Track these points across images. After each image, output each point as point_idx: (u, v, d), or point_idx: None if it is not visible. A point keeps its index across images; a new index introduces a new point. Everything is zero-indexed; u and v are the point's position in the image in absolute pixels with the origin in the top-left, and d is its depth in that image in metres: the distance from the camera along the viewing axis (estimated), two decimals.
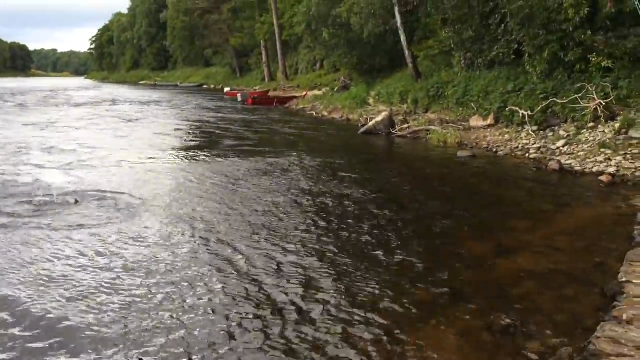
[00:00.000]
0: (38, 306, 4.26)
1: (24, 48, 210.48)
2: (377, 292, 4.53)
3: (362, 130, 15.67)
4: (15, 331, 3.89)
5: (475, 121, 13.52)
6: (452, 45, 16.15)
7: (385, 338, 3.81)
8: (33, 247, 5.60)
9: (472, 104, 14.03)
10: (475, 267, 5.18)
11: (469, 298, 4.43)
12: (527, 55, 12.88)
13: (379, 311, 4.18)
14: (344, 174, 9.74)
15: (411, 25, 19.64)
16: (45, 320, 4.05)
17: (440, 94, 15.77)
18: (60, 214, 6.85)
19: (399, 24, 17.92)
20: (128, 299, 4.40)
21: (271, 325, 4.00)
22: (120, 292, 4.55)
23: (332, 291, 4.55)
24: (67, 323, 4.00)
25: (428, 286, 4.67)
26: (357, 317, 4.08)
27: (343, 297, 4.44)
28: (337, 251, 5.54)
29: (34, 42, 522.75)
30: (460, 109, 14.52)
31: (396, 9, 17.64)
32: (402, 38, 18.04)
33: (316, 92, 28.69)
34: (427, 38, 19.13)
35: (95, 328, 3.93)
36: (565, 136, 10.80)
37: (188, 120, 21.17)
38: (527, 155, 10.88)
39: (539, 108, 11.65)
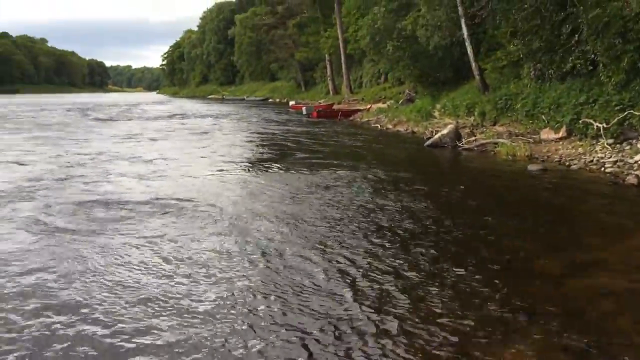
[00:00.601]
0: (113, 313, 4.45)
1: (101, 65, 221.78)
2: (449, 309, 4.45)
3: (427, 142, 15.53)
4: (90, 336, 4.09)
5: (546, 134, 13.11)
6: (521, 56, 15.78)
7: (460, 357, 3.74)
8: (113, 254, 5.87)
9: (543, 116, 13.63)
10: (549, 284, 5.01)
11: (544, 317, 4.28)
12: (601, 65, 12.40)
13: (452, 329, 4.10)
14: (410, 187, 9.68)
15: (478, 37, 19.34)
16: (116, 327, 4.20)
17: (508, 106, 15.41)
18: (141, 222, 7.17)
19: (465, 36, 17.70)
20: (206, 308, 4.51)
21: (347, 339, 4.02)
22: (198, 300, 4.67)
23: (404, 307, 4.50)
24: (141, 330, 4.15)
25: (500, 304, 4.54)
26: (430, 335, 4.02)
27: (415, 313, 4.39)
28: (405, 266, 5.49)
29: (111, 59, 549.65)
30: (530, 121, 14.12)
31: (462, 20, 17.44)
32: (469, 50, 17.79)
33: (380, 104, 28.67)
34: (495, 50, 18.76)
35: (170, 336, 4.06)
36: None
37: (256, 133, 21.66)
38: (602, 169, 10.45)
39: (614, 120, 11.18)
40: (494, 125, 15.53)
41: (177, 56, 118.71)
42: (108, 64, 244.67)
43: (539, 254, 5.85)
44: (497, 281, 5.07)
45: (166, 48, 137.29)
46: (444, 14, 18.04)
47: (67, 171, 11.59)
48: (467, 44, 17.75)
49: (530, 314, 4.33)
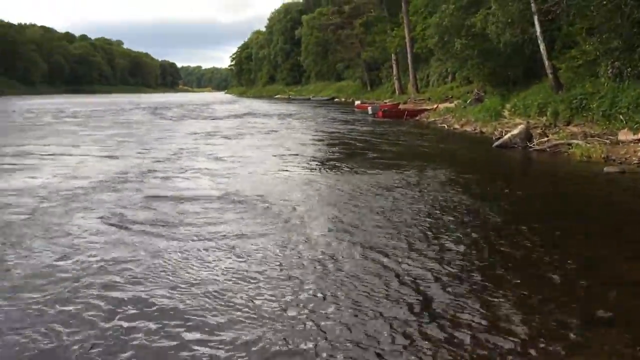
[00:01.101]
0: (181, 307, 4.59)
1: (172, 65, 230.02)
2: (521, 316, 4.30)
3: (496, 143, 15.16)
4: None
5: (625, 135, 12.49)
6: (598, 55, 15.11)
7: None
8: (186, 247, 6.10)
9: (621, 117, 13.00)
10: (629, 293, 4.76)
11: (623, 326, 4.09)
12: None
13: (524, 337, 3.95)
14: (478, 189, 9.50)
15: (551, 34, 18.67)
16: (186, 322, 4.32)
17: (583, 105, 14.78)
18: (213, 217, 7.39)
19: (538, 33, 17.11)
20: (274, 308, 4.55)
21: (415, 345, 4.01)
22: (278, 301, 4.69)
23: (473, 313, 4.39)
24: (218, 330, 4.25)
25: (576, 312, 4.37)
26: (500, 343, 3.89)
27: (484, 319, 4.28)
28: (474, 271, 5.37)
29: (182, 60, 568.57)
30: (607, 121, 13.49)
31: (535, 17, 16.87)
32: (542, 47, 17.20)
33: (447, 104, 28.22)
34: (569, 47, 18.05)
35: (236, 335, 4.15)
36: None
37: (322, 132, 21.82)
38: None
39: None
40: (568, 125, 14.95)
41: (245, 57, 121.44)
42: (179, 64, 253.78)
43: (618, 260, 5.59)
44: (572, 288, 4.89)
45: (235, 49, 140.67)
46: (516, 10, 17.51)
47: (148, 167, 12.18)
48: (540, 41, 17.16)
49: (608, 323, 4.15)
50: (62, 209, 7.98)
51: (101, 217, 7.46)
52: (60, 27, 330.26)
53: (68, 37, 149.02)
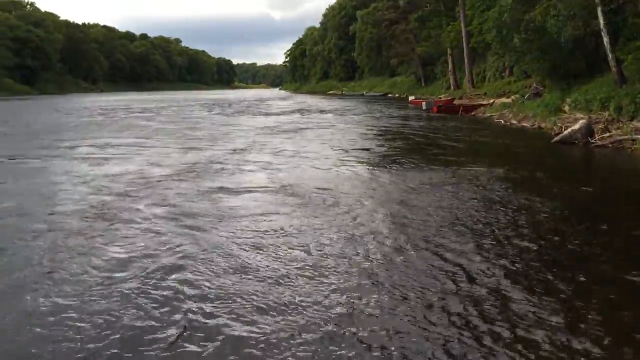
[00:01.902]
0: (236, 295, 4.80)
1: (228, 62, 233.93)
2: (597, 317, 4.21)
3: (556, 139, 14.81)
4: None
5: None
6: None
7: None
8: (244, 237, 6.37)
9: None
10: None
11: None
12: None
13: (573, 338, 3.90)
14: (536, 187, 9.32)
15: (615, 25, 18.00)
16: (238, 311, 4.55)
17: None
18: (273, 209, 7.65)
19: (601, 25, 16.55)
20: (330, 303, 4.65)
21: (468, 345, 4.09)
22: (335, 294, 4.80)
23: (510, 308, 4.39)
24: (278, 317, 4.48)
25: (633, 313, 4.29)
26: (580, 343, 3.81)
27: (543, 317, 4.25)
28: (532, 271, 5.34)
29: (237, 57, 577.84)
30: None
31: (599, 9, 16.33)
32: (605, 40, 16.62)
33: (504, 99, 27.65)
34: (634, 39, 17.37)
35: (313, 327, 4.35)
36: None
37: (376, 128, 21.82)
38: None
39: None
40: (632, 120, 14.42)
41: (299, 53, 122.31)
42: (234, 61, 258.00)
43: None
44: (631, 290, 4.78)
45: (289, 45, 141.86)
46: (578, 3, 17.00)
47: (215, 160, 12.84)
48: (604, 33, 16.59)
49: None
50: (145, 193, 9.01)
51: (173, 205, 8.00)
52: (122, 26, 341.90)
53: (129, 36, 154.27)
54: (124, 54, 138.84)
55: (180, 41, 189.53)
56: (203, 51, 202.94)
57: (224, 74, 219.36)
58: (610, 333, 3.94)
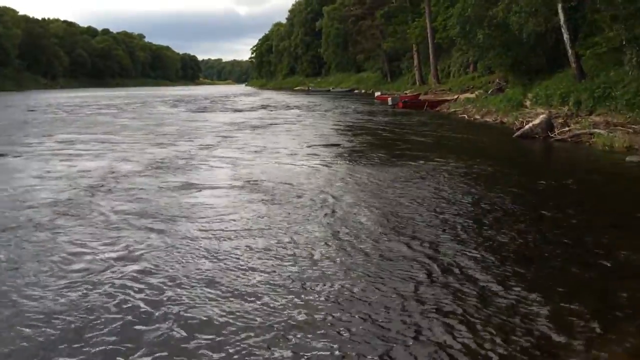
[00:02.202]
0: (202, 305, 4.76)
1: (193, 58, 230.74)
2: (540, 307, 4.27)
3: (517, 133, 15.04)
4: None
5: None
6: (623, 42, 14.85)
7: (544, 353, 3.65)
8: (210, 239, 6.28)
9: None
10: None
11: (637, 317, 4.08)
12: None
13: (542, 328, 3.94)
14: (497, 180, 9.47)
15: (575, 22, 18.38)
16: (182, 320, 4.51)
17: (607, 94, 14.56)
18: (240, 205, 7.56)
19: (562, 21, 16.88)
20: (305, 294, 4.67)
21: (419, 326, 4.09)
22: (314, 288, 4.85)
23: (490, 304, 4.40)
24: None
25: (588, 303, 4.35)
26: (519, 333, 3.87)
27: (495, 306, 4.32)
28: (491, 262, 5.38)
29: (202, 52, 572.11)
30: (631, 110, 13.28)
31: (559, 5, 16.64)
32: (565, 36, 16.96)
33: (468, 94, 27.98)
34: (593, 35, 17.76)
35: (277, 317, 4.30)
36: None
37: (342, 124, 21.83)
38: None
39: None
40: (590, 115, 14.75)
41: (265, 49, 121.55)
42: (200, 57, 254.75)
43: (637, 251, 5.54)
44: (588, 279, 4.89)
45: (255, 41, 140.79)
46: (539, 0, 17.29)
47: (180, 156, 12.68)
48: (564, 29, 16.93)
49: (623, 314, 4.13)
50: (111, 188, 8.97)
51: (139, 201, 7.92)
52: (83, 21, 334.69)
53: (90, 31, 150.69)
54: (85, 49, 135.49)
55: (144, 36, 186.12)
56: (167, 47, 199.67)
57: (189, 70, 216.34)
58: (562, 321, 4.00)
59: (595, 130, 13.12)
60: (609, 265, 5.14)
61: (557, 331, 3.87)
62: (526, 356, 3.58)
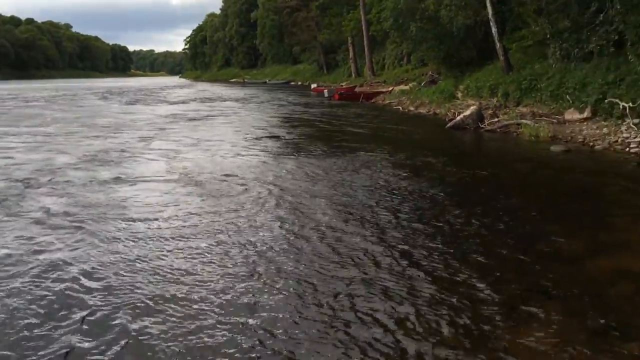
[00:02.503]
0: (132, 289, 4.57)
1: (124, 49, 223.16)
2: (466, 292, 4.41)
3: (449, 124, 15.39)
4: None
5: (571, 114, 12.87)
6: (547, 36, 15.45)
7: (470, 337, 3.73)
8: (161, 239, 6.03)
9: (568, 97, 13.37)
10: (569, 265, 4.95)
11: (562, 298, 4.25)
12: (629, 44, 12.10)
13: (469, 312, 4.06)
14: (430, 170, 9.63)
15: (503, 15, 18.96)
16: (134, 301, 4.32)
17: (532, 86, 15.14)
18: (172, 197, 7.31)
19: (490, 15, 17.37)
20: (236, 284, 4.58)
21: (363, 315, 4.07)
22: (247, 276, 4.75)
23: (420, 291, 4.47)
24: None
25: (520, 286, 4.50)
26: (446, 318, 3.98)
27: (430, 296, 4.37)
28: (422, 250, 5.46)
29: (133, 43, 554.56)
30: (555, 102, 13.87)
31: None
32: (493, 30, 17.47)
33: (403, 87, 28.41)
34: (520, 29, 18.40)
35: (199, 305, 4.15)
36: None
37: (277, 116, 21.73)
38: (627, 149, 10.25)
39: None
40: (518, 106, 15.29)
41: (199, 40, 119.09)
42: (131, 48, 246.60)
43: (561, 235, 5.77)
44: (517, 263, 5.04)
45: (189, 32, 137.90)
46: None
47: (114, 148, 12.33)
48: (492, 23, 17.42)
49: (550, 296, 4.30)
50: (43, 182, 8.71)
51: (71, 196, 7.70)
52: (6, 10, 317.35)
53: (14, 20, 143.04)
54: (8, 39, 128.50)
55: (71, 26, 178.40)
56: (96, 37, 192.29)
57: (120, 61, 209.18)
58: (492, 304, 4.10)
59: (522, 120, 13.60)
60: (536, 249, 5.33)
61: (485, 316, 3.97)
62: (461, 338, 3.66)
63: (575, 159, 10.14)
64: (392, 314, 4.04)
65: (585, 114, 12.42)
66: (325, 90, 33.32)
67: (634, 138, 10.47)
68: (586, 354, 3.48)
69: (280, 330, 3.82)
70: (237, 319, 3.98)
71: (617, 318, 3.87)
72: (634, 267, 4.85)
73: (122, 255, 5.29)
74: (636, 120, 10.89)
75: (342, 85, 38.50)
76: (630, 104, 11.05)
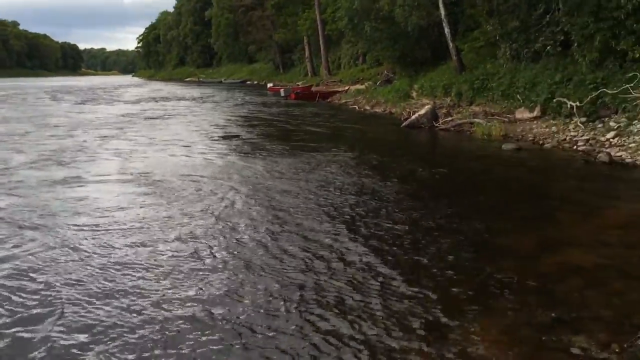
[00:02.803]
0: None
1: (74, 47, 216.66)
2: (420, 287, 4.50)
3: (404, 123, 15.57)
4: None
5: (521, 113, 13.23)
6: (497, 37, 15.82)
7: (426, 331, 3.80)
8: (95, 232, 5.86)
9: (518, 96, 13.73)
10: (519, 261, 5.09)
11: (513, 293, 4.36)
12: (575, 44, 12.52)
13: (423, 306, 4.15)
14: (385, 169, 9.72)
15: (455, 16, 19.31)
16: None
17: (484, 86, 15.49)
18: (126, 197, 7.13)
19: (443, 16, 17.65)
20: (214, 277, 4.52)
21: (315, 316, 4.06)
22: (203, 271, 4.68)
23: (375, 287, 4.53)
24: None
25: (472, 282, 4.60)
26: (402, 312, 4.06)
27: (386, 291, 4.44)
28: (376, 248, 5.52)
29: (84, 41, 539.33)
30: (506, 101, 14.23)
31: (440, 0, 17.39)
32: (446, 30, 17.77)
33: (358, 86, 28.59)
34: (472, 29, 18.78)
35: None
36: (615, 127, 10.46)
37: (233, 115, 21.51)
38: (575, 147, 10.60)
39: (588, 99, 11.30)
40: (471, 105, 15.62)
41: (152, 38, 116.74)
42: (81, 46, 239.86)
43: (511, 232, 5.93)
44: (469, 260, 5.15)
45: (141, 30, 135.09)
46: None
47: (68, 148, 12.01)
48: (445, 24, 17.71)
49: (499, 290, 4.41)
50: None
51: (20, 196, 7.52)
52: None
53: None
54: None
55: (18, 24, 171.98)
56: (45, 35, 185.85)
57: (70, 60, 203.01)
58: (442, 302, 4.15)
59: (475, 119, 13.89)
60: (488, 246, 5.46)
61: (440, 311, 4.07)
62: (415, 334, 3.73)
63: (526, 157, 10.42)
64: (338, 316, 4.06)
65: (535, 113, 12.78)
66: (282, 90, 33.25)
67: (581, 136, 10.84)
68: (537, 346, 3.59)
69: (234, 322, 3.84)
70: (179, 310, 3.93)
71: (566, 312, 4.00)
72: (582, 262, 5.01)
73: (68, 255, 5.20)
74: (583, 119, 11.27)
75: (298, 85, 38.44)
76: (578, 103, 11.43)
